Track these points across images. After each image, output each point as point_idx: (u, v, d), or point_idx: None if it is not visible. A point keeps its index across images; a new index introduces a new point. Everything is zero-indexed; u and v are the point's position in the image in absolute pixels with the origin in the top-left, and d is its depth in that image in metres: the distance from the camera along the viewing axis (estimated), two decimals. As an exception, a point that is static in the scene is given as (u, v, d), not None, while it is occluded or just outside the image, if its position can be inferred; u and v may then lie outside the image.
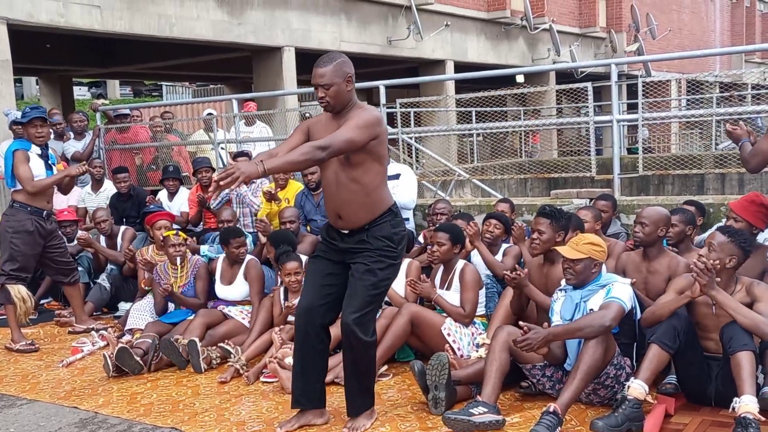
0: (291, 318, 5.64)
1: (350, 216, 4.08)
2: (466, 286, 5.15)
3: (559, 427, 3.84)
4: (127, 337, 6.00)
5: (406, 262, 5.56)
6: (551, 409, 3.84)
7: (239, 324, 5.91)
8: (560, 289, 4.48)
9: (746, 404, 3.63)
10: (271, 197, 7.41)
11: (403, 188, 7.14)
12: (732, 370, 3.80)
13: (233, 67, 17.71)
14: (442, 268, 5.40)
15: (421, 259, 6.03)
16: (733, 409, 3.67)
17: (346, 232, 4.14)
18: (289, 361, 5.03)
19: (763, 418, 3.62)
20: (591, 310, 4.22)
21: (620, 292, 4.19)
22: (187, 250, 6.44)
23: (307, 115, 10.97)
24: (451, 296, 5.20)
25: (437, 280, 5.39)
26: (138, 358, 5.40)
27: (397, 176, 7.12)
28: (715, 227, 5.15)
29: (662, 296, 4.35)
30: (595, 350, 3.98)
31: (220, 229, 7.18)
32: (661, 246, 4.89)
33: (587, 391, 4.20)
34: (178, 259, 6.22)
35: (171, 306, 6.24)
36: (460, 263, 5.30)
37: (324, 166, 4.08)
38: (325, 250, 4.25)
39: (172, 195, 8.52)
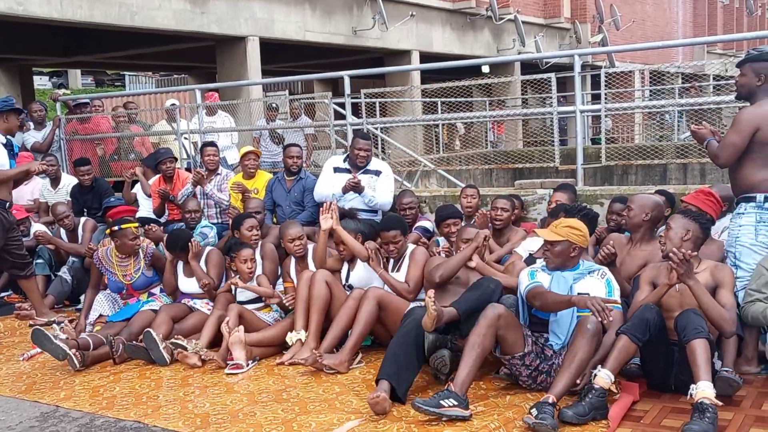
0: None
1: None
2: (414, 263, 5.26)
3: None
4: (89, 329, 5.95)
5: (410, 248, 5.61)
6: (550, 401, 3.86)
7: (205, 316, 5.85)
8: (539, 267, 4.56)
9: (703, 390, 3.70)
10: (242, 191, 7.43)
11: (382, 189, 7.01)
12: (688, 357, 3.88)
13: (197, 57, 17.55)
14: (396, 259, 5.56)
15: None
16: (691, 395, 3.73)
17: None
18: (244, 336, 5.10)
19: (720, 403, 3.69)
20: (580, 293, 4.30)
21: (617, 289, 4.41)
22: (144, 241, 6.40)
23: (274, 105, 10.92)
24: (399, 277, 5.37)
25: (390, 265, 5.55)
26: (60, 342, 5.23)
27: (377, 173, 7.07)
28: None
29: (638, 293, 4.45)
30: (590, 347, 4.06)
31: (186, 220, 7.13)
32: (648, 233, 5.03)
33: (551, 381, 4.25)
34: (141, 252, 6.17)
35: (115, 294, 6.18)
36: (411, 247, 5.48)
37: None
38: None
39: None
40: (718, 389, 4.00)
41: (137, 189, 8.41)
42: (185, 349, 5.29)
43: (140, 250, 6.20)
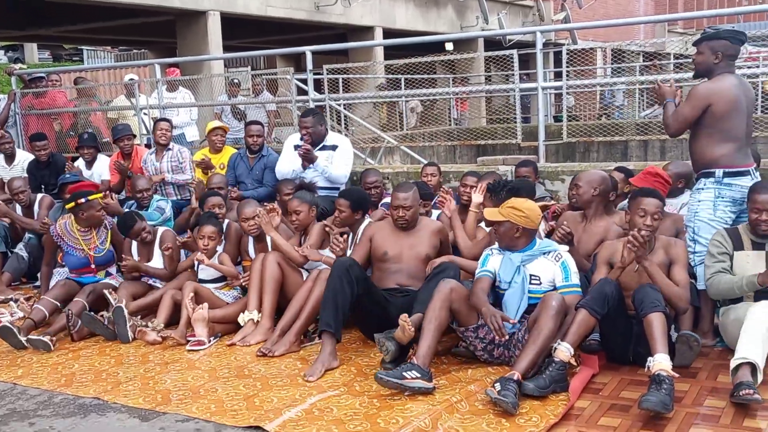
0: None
1: None
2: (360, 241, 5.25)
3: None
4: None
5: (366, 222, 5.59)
6: (515, 377, 3.87)
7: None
8: (496, 248, 4.58)
9: (659, 362, 3.75)
10: (206, 167, 7.34)
11: (338, 163, 6.87)
12: (645, 330, 3.94)
13: (157, 32, 17.25)
14: (353, 234, 5.51)
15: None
16: (648, 367, 3.79)
17: None
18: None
19: (676, 375, 3.75)
20: (532, 275, 4.39)
21: (575, 273, 4.43)
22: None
23: (236, 81, 10.79)
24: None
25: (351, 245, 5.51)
26: (21, 337, 5.19)
27: (333, 147, 6.94)
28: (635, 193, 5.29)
29: (596, 273, 4.49)
30: (554, 324, 4.08)
31: (137, 199, 7.03)
32: (600, 209, 5.07)
33: (513, 355, 4.30)
34: (106, 222, 6.09)
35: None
36: (366, 222, 5.46)
37: None
38: None
39: (89, 163, 8.23)
40: (679, 350, 4.14)
41: (79, 164, 8.25)
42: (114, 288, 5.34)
43: (105, 220, 6.12)
